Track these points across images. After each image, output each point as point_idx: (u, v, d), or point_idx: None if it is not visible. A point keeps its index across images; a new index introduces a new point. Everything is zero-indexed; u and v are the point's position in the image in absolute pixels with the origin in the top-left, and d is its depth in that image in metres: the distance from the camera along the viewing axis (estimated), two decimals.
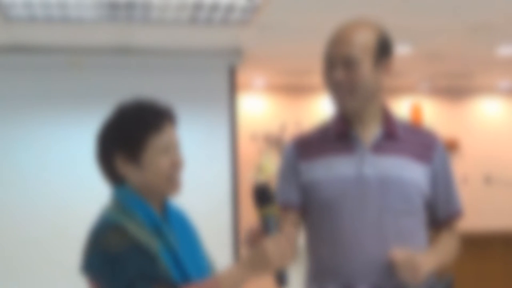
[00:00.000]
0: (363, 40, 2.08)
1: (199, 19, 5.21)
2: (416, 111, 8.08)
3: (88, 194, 5.32)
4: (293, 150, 2.23)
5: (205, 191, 6.08)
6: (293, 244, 1.80)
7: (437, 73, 7.36)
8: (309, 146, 2.20)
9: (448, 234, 2.25)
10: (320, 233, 2.19)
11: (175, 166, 1.86)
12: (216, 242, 5.55)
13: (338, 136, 2.17)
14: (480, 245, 5.92)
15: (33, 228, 5.88)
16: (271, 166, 6.85)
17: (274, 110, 7.84)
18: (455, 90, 8.25)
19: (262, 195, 1.89)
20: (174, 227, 1.90)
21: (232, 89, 6.34)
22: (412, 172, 2.11)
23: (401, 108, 7.98)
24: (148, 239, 1.76)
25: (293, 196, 2.21)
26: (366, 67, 2.07)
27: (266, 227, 1.87)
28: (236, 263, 1.80)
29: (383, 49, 2.11)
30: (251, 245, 1.88)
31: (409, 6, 4.84)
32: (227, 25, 5.37)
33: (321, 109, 7.89)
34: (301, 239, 2.29)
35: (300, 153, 2.20)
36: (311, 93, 7.87)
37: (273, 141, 6.71)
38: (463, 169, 7.87)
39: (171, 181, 1.85)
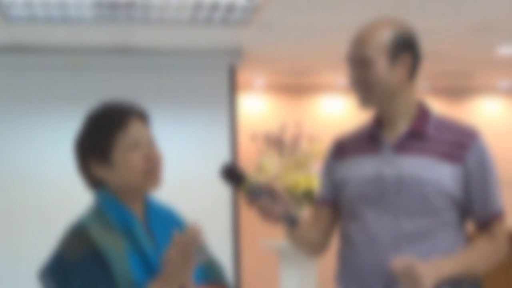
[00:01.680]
0: (377, 39, 2.11)
1: (199, 19, 5.21)
2: None
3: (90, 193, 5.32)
4: (331, 149, 2.30)
5: (205, 191, 6.07)
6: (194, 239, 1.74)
7: (437, 73, 7.36)
8: (345, 146, 2.26)
9: (485, 238, 2.15)
10: (344, 231, 2.23)
11: (148, 160, 1.86)
12: (216, 241, 5.55)
13: (368, 136, 2.20)
14: None
15: (33, 232, 5.89)
16: (271, 166, 6.84)
17: (274, 110, 7.83)
18: (455, 90, 8.25)
19: (233, 177, 1.98)
20: (155, 227, 1.90)
21: (232, 89, 6.34)
22: (433, 172, 2.08)
23: None
24: (114, 242, 1.78)
25: (327, 193, 2.27)
26: (380, 66, 2.10)
27: (254, 198, 1.97)
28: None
29: (400, 46, 2.13)
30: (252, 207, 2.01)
31: (409, 6, 4.84)
32: (227, 25, 5.37)
33: (321, 109, 7.89)
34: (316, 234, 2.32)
35: (336, 153, 2.27)
36: (311, 93, 7.86)
37: (273, 141, 6.69)
38: None
39: (147, 175, 1.85)
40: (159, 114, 6.32)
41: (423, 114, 2.17)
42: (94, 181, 1.91)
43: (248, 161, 7.04)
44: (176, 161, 5.70)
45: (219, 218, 6.14)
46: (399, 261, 1.98)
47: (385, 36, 2.12)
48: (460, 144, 2.12)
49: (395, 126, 2.16)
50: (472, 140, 2.13)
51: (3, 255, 5.90)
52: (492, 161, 2.18)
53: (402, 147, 2.12)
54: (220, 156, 6.22)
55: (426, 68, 8.62)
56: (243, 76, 7.00)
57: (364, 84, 2.13)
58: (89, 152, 1.87)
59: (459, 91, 8.27)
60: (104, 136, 1.85)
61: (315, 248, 2.31)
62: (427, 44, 6.74)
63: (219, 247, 6.23)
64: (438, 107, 8.33)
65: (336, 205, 2.25)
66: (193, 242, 1.71)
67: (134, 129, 1.86)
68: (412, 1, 4.76)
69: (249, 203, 2.02)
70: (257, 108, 7.84)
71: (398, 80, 2.13)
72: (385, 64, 2.11)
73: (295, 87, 7.81)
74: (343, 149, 2.25)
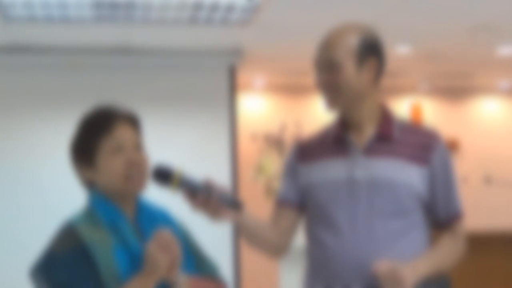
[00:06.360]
0: (345, 43, 2.14)
1: (199, 19, 5.21)
2: (416, 111, 8.08)
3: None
4: (294, 152, 2.30)
5: None
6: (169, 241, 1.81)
7: (437, 73, 7.36)
8: (309, 149, 2.27)
9: (448, 237, 2.23)
10: (314, 234, 2.23)
11: (130, 164, 1.88)
12: (216, 241, 5.56)
13: (334, 140, 2.22)
14: (480, 245, 5.92)
15: (32, 230, 5.89)
16: (271, 166, 6.85)
17: (274, 110, 7.84)
18: (455, 90, 8.25)
19: (163, 176, 1.92)
20: (145, 227, 1.92)
21: (232, 89, 6.35)
22: (404, 174, 2.12)
23: (401, 108, 7.98)
24: (100, 238, 1.82)
25: (291, 195, 2.27)
26: (348, 69, 2.13)
27: (192, 190, 1.94)
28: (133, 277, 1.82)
29: (367, 50, 2.15)
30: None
31: (409, 6, 4.85)
32: (227, 25, 5.38)
33: (321, 109, 7.89)
34: (299, 239, 2.32)
35: (300, 156, 2.27)
36: (311, 93, 7.87)
37: (273, 141, 6.70)
38: (463, 169, 7.88)
39: (128, 179, 1.88)
40: (159, 114, 6.37)
41: (387, 117, 2.21)
42: (86, 182, 1.96)
43: (248, 161, 7.06)
44: (176, 161, 5.70)
45: None
46: (381, 265, 2.01)
47: (352, 41, 2.14)
48: (425, 145, 2.17)
49: (361, 129, 2.19)
50: (435, 142, 2.19)
51: (7, 255, 5.91)
52: (452, 162, 2.24)
53: (372, 150, 2.15)
54: (220, 156, 6.23)
55: (426, 68, 8.63)
56: (243, 76, 7.00)
57: (331, 88, 2.15)
58: (77, 155, 1.94)
59: (459, 91, 8.27)
60: (89, 140, 1.90)
61: (275, 249, 2.30)
62: (427, 44, 6.76)
63: (220, 247, 6.28)
64: (438, 107, 8.35)
65: (299, 207, 2.26)
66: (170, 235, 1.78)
67: (119, 133, 1.89)
68: (413, 2, 4.76)
69: (189, 200, 1.97)
70: (257, 108, 7.85)
71: (364, 83, 2.16)
72: (353, 68, 2.13)
73: (295, 87, 7.82)
74: (307, 152, 2.26)
